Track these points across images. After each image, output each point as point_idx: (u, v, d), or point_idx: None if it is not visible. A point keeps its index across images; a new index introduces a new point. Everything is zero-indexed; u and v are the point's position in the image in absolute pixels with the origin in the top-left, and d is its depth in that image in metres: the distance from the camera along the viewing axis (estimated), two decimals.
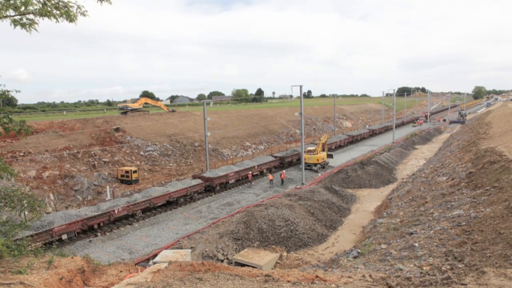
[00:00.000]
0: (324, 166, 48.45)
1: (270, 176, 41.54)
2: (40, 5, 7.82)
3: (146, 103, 71.97)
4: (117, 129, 52.27)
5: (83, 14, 8.21)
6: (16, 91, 9.62)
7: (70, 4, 8.03)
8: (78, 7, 8.10)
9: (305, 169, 44.26)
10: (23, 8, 7.73)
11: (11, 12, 7.77)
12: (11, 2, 7.62)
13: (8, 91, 9.41)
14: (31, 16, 7.91)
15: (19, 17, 7.82)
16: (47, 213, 29.59)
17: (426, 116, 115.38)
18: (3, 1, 7.62)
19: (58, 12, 7.91)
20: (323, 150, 48.64)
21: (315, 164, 46.66)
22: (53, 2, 7.92)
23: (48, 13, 7.80)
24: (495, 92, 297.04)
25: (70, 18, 8.02)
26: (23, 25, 7.82)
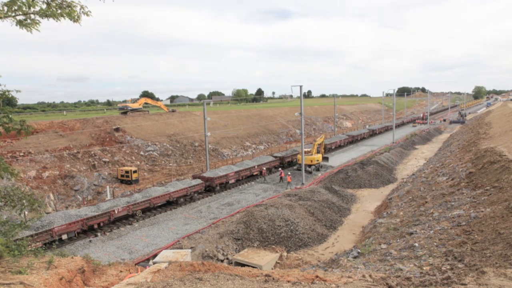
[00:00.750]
0: (318, 168, 47.73)
1: (282, 173, 42.92)
2: (45, 6, 7.81)
3: (146, 103, 71.99)
4: (117, 129, 52.27)
5: (86, 14, 8.21)
6: (17, 91, 9.63)
7: (74, 4, 8.02)
8: (82, 7, 8.10)
9: (300, 169, 44.27)
10: (25, 8, 7.72)
11: (14, 12, 7.77)
12: (15, 2, 7.62)
13: (8, 91, 9.41)
14: (34, 17, 7.91)
15: (23, 17, 7.82)
16: (47, 213, 29.59)
17: (424, 117, 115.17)
18: (7, 1, 7.62)
19: (61, 12, 7.91)
20: (318, 151, 48.31)
21: (309, 166, 46.24)
22: (56, 2, 7.92)
23: (51, 14, 7.79)
24: (495, 92, 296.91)
25: (74, 18, 8.02)
26: (25, 25, 7.82)
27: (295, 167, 48.24)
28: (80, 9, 8.11)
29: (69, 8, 7.96)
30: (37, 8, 7.81)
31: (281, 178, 42.68)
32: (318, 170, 47.51)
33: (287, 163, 49.70)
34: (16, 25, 7.76)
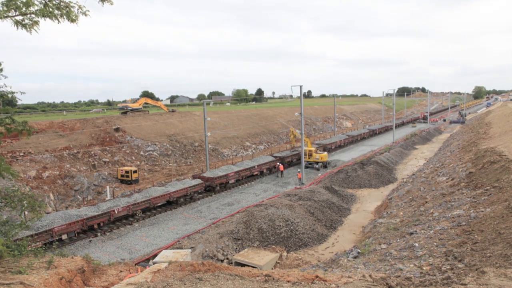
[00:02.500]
0: (326, 165, 49.91)
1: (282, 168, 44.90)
2: (42, 6, 7.82)
3: (146, 103, 71.99)
4: (117, 129, 52.27)
5: (84, 14, 8.21)
6: (21, 92, 9.65)
7: (72, 4, 8.03)
8: (80, 7, 8.11)
9: (309, 166, 48.19)
10: (24, 9, 7.73)
11: (12, 12, 7.77)
12: (13, 2, 7.62)
13: (13, 92, 9.43)
14: (32, 17, 7.91)
15: (20, 17, 7.82)
16: (47, 213, 29.57)
17: (424, 117, 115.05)
18: (5, 1, 7.62)
19: (59, 12, 7.92)
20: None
21: (317, 163, 48.85)
22: (54, 2, 7.93)
23: (49, 14, 7.80)
24: (495, 92, 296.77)
25: (71, 18, 8.02)
26: (24, 26, 7.83)
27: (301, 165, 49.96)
28: (78, 9, 8.12)
29: (67, 9, 7.97)
30: (35, 8, 7.81)
31: (281, 172, 44.27)
32: (325, 167, 49.26)
33: (287, 163, 49.70)
34: (15, 25, 7.76)
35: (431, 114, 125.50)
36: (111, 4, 8.46)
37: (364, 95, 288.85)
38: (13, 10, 7.69)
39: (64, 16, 7.95)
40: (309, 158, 48.42)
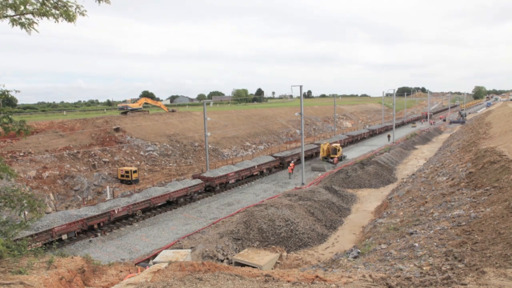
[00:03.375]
0: (341, 159, 53.46)
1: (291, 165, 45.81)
2: (39, 5, 7.81)
3: (146, 103, 71.98)
4: (117, 129, 52.27)
5: (82, 13, 8.21)
6: (16, 91, 9.63)
7: (69, 3, 8.02)
8: (77, 6, 8.10)
9: (324, 160, 52.56)
10: (22, 8, 7.72)
11: (10, 11, 7.76)
12: (10, 1, 7.61)
13: (8, 91, 9.41)
14: (30, 16, 7.90)
15: (17, 16, 7.81)
16: (47, 213, 29.57)
17: (426, 116, 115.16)
18: (1, 0, 7.62)
19: (57, 11, 7.91)
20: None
21: (332, 157, 52.22)
22: (52, 1, 7.92)
23: (47, 13, 7.79)
24: (495, 92, 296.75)
25: (69, 18, 8.02)
26: (22, 25, 7.82)
27: (318, 158, 54.11)
28: (75, 9, 8.11)
29: (65, 8, 7.96)
30: (32, 7, 7.80)
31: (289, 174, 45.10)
32: (341, 160, 52.82)
33: (287, 163, 49.70)
34: (12, 23, 7.75)
35: (431, 115, 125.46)
36: (108, 3, 8.45)
37: (364, 95, 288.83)
38: (9, 9, 7.69)
39: (62, 16, 7.95)
40: (330, 154, 52.27)
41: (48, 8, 7.82)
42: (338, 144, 54.83)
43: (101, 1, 8.27)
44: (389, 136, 72.49)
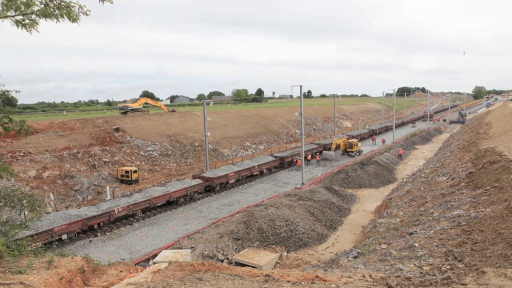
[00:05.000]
0: (360, 152, 57.62)
1: (309, 157, 51.28)
2: (42, 6, 7.81)
3: (146, 103, 71.98)
4: (117, 129, 52.27)
5: (85, 13, 8.20)
6: (16, 91, 9.63)
7: (72, 4, 8.02)
8: (80, 7, 8.09)
9: (344, 153, 56.57)
10: (24, 9, 7.72)
11: (13, 12, 7.77)
12: (13, 2, 7.61)
13: (8, 91, 9.41)
14: (32, 17, 7.90)
15: (21, 17, 7.82)
16: (47, 213, 29.57)
17: (430, 115, 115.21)
18: (5, 1, 7.61)
19: (59, 12, 7.90)
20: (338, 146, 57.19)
21: (352, 151, 55.96)
22: (55, 2, 7.92)
23: (50, 14, 7.79)
24: (495, 92, 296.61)
25: (72, 18, 8.01)
26: (24, 26, 7.82)
27: (340, 153, 57.40)
28: (78, 9, 8.10)
29: (68, 8, 7.95)
30: (35, 8, 7.80)
31: (309, 161, 50.56)
32: (359, 154, 57.02)
33: (287, 163, 49.73)
34: (16, 25, 7.75)
35: (431, 115, 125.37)
36: (111, 3, 8.44)
37: (364, 95, 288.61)
38: (13, 10, 7.68)
39: (65, 16, 7.94)
40: (350, 148, 55.82)
41: (51, 10, 7.82)
42: (356, 140, 58.24)
43: (104, 1, 8.26)
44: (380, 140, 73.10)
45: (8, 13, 7.68)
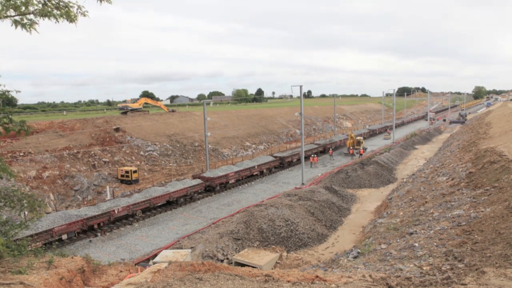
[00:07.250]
0: (365, 149, 58.48)
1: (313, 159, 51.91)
2: (41, 6, 7.81)
3: (146, 103, 72.02)
4: (117, 129, 52.27)
5: (83, 14, 8.20)
6: (16, 91, 9.64)
7: (71, 4, 8.02)
8: (79, 7, 8.09)
9: (347, 153, 57.52)
10: (23, 8, 7.72)
11: (11, 12, 7.76)
12: (12, 2, 7.61)
13: (8, 91, 9.41)
14: (31, 17, 7.90)
15: (19, 17, 7.81)
16: (47, 213, 29.57)
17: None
18: (3, 1, 7.61)
19: (58, 12, 7.90)
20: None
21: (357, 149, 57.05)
22: (53, 2, 7.92)
23: (48, 14, 7.79)
24: (495, 92, 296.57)
25: (71, 18, 8.01)
26: (23, 26, 7.82)
27: (344, 151, 59.06)
28: (77, 9, 8.10)
29: (66, 8, 7.95)
30: (34, 8, 7.80)
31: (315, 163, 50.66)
32: (365, 150, 57.85)
33: (287, 163, 49.72)
34: (14, 25, 7.75)
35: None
36: (110, 3, 8.43)
37: (364, 95, 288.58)
38: (11, 10, 7.68)
39: (64, 16, 7.94)
40: (358, 145, 56.67)
41: (50, 9, 7.81)
42: (361, 138, 60.12)
43: (102, 1, 8.26)
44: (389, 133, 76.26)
45: (8, 13, 7.68)
